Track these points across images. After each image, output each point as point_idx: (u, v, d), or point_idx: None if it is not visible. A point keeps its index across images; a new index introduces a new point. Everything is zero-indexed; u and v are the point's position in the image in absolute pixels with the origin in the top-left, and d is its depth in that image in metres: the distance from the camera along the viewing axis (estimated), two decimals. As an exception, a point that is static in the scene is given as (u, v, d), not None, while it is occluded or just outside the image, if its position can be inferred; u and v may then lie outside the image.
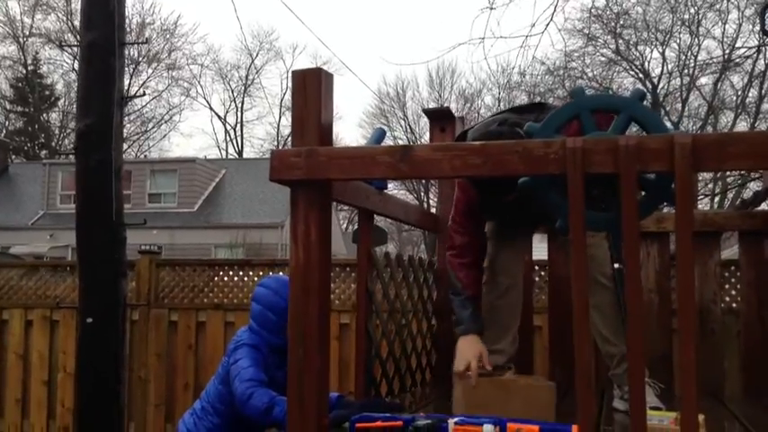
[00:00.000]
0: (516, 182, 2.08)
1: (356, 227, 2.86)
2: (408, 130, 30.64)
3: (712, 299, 3.41)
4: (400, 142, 29.00)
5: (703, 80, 20.04)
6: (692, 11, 19.07)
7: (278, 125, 35.59)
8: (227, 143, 36.49)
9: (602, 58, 20.41)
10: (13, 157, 30.45)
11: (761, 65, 17.11)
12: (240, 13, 37.35)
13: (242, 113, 36.46)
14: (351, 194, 2.47)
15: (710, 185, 16.90)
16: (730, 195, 16.06)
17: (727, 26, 18.99)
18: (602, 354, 2.78)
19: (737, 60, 17.59)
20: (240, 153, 35.41)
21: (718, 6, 18.12)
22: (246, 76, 35.68)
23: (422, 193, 27.54)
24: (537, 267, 4.35)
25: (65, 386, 5.56)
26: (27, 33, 31.69)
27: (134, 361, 5.43)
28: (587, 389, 1.82)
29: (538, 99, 16.59)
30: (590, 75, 20.08)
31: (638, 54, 20.93)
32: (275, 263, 5.74)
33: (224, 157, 34.01)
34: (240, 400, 2.77)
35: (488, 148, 1.92)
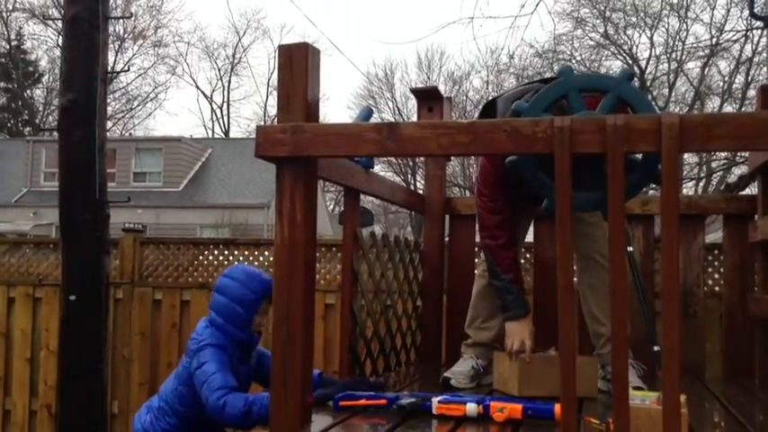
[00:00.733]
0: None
1: (343, 208, 2.84)
2: (396, 112, 30.54)
3: (695, 282, 3.43)
4: (388, 124, 28.78)
5: (690, 65, 20.10)
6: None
7: (265, 105, 35.37)
8: (213, 122, 36.26)
9: (591, 42, 20.43)
10: (-3, 133, 30.13)
11: (748, 51, 17.18)
12: (227, -9, 36.82)
13: (228, 92, 36.14)
14: (337, 173, 2.45)
15: (696, 170, 17.01)
16: (714, 180, 16.18)
17: (715, 11, 19.03)
18: (589, 333, 2.80)
19: (725, 45, 17.64)
20: (227, 133, 35.18)
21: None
22: (233, 55, 35.39)
23: (408, 175, 27.51)
24: (523, 249, 4.36)
25: (47, 364, 5.53)
26: (10, 8, 31.20)
27: (117, 340, 5.41)
28: (570, 368, 1.83)
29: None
30: (578, 58, 20.08)
31: (626, 38, 20.95)
32: (260, 242, 5.70)
33: (210, 136, 33.78)
34: (214, 410, 2.62)
35: (476, 126, 1.90)
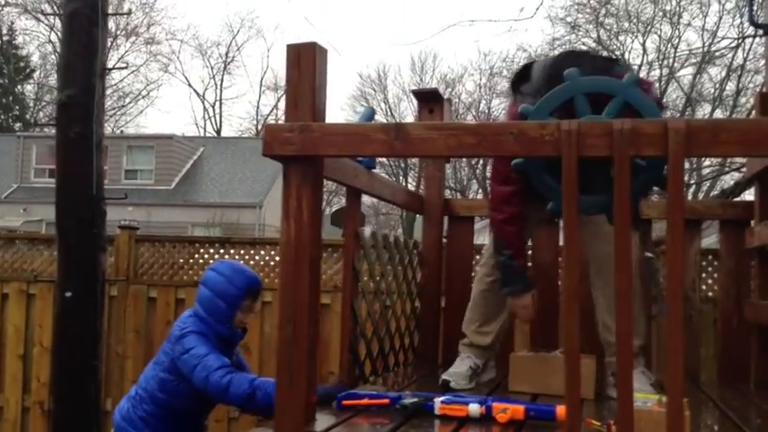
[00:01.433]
0: None
1: (333, 209, 2.85)
2: (389, 114, 30.57)
3: (691, 286, 3.46)
4: (380, 125, 28.80)
5: (682, 71, 20.22)
6: (674, 2, 19.20)
7: (257, 104, 35.35)
8: (205, 121, 36.18)
9: (584, 47, 20.48)
10: (-13, 129, 29.92)
11: (739, 58, 17.31)
12: (221, -10, 36.84)
13: (221, 91, 36.13)
14: (340, 172, 2.45)
15: (686, 177, 17.09)
16: (704, 188, 16.27)
17: (707, 19, 19.16)
18: (600, 339, 2.75)
19: (721, 53, 17.76)
20: (219, 131, 35.11)
21: (699, -2, 18.27)
22: (227, 54, 35.34)
23: (400, 176, 27.54)
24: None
25: (41, 361, 5.50)
26: (2, 3, 31.03)
27: (112, 337, 5.39)
28: (575, 371, 1.84)
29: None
30: (571, 63, 20.13)
31: (619, 44, 21.06)
32: (255, 242, 5.71)
33: (202, 135, 33.70)
34: (216, 389, 2.64)
35: (483, 128, 1.92)
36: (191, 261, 5.48)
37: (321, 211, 2.11)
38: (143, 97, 33.43)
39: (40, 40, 31.95)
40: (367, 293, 2.86)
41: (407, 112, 29.35)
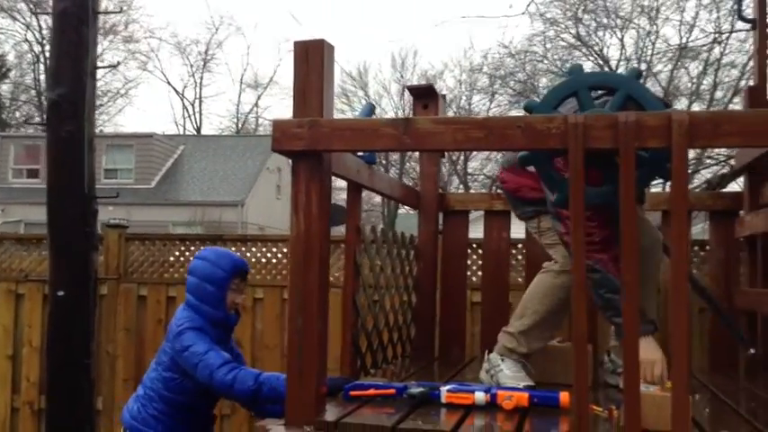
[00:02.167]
0: None
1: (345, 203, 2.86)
2: (369, 110, 30.52)
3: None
4: (361, 122, 28.75)
5: (660, 66, 20.44)
6: (652, -3, 19.40)
7: (238, 102, 35.19)
8: (184, 119, 35.95)
9: (563, 43, 20.67)
10: (-38, 129, 29.46)
11: (716, 52, 17.55)
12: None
13: (200, 89, 35.94)
14: (343, 167, 2.48)
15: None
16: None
17: (684, 14, 19.37)
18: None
19: (696, 48, 17.98)
20: (198, 129, 34.91)
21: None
22: (206, 51, 35.15)
23: (391, 171, 27.55)
24: (514, 251, 4.38)
25: (30, 361, 5.46)
26: (-24, 1, 30.54)
27: (102, 336, 5.36)
28: (583, 360, 1.89)
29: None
30: (550, 59, 20.32)
31: (597, 39, 21.24)
32: (246, 238, 5.70)
33: (182, 133, 33.48)
34: (222, 386, 2.66)
35: (491, 122, 1.96)
36: (181, 259, 5.47)
37: (330, 206, 2.14)
38: (121, 96, 33.16)
39: (15, 38, 31.51)
40: (367, 287, 2.89)
41: (388, 108, 29.39)
